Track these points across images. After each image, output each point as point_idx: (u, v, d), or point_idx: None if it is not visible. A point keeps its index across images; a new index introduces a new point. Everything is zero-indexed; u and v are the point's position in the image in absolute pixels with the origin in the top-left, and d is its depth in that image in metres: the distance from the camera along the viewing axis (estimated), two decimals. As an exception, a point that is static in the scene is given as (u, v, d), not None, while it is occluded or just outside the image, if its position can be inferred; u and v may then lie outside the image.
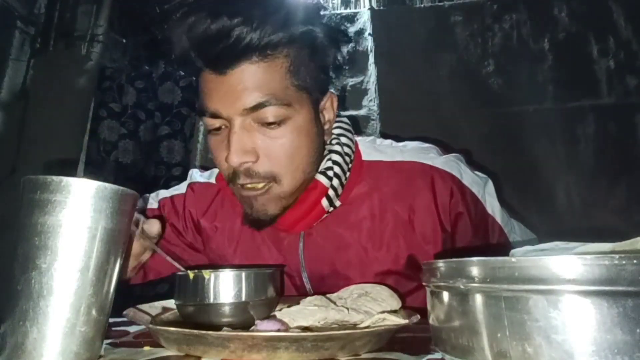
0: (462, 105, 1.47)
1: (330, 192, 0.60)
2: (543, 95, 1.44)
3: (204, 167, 0.83)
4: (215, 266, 0.65)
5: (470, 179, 0.64)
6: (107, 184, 0.38)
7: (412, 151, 0.67)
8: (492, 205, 0.64)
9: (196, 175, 0.77)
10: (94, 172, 1.94)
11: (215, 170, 0.74)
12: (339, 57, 0.63)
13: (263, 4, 0.54)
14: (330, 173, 0.60)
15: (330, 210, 0.62)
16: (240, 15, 0.50)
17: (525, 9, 1.51)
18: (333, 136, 0.64)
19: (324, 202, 0.60)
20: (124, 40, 2.44)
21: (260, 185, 0.56)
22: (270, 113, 0.53)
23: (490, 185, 0.66)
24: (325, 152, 0.62)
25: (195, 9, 0.52)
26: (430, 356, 0.39)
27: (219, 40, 0.50)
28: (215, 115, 0.55)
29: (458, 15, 1.56)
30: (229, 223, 0.69)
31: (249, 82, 0.52)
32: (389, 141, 0.71)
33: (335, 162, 0.61)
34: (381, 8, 1.65)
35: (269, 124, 0.54)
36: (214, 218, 0.71)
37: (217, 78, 0.53)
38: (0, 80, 1.95)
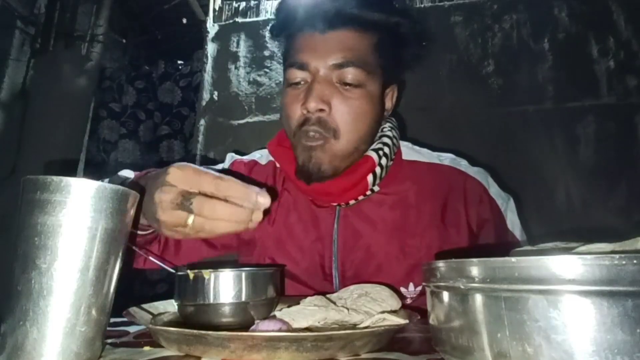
0: (462, 105, 1.47)
1: (377, 170, 0.66)
2: (543, 95, 1.43)
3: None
4: (221, 263, 0.67)
5: (496, 191, 0.70)
6: (107, 184, 0.38)
7: (448, 158, 0.75)
8: (513, 222, 0.69)
9: (237, 156, 0.82)
10: (94, 172, 1.94)
11: (264, 153, 0.80)
12: (415, 54, 0.71)
13: None
14: (380, 152, 0.67)
15: (373, 190, 0.68)
16: None
17: (525, 9, 1.51)
18: (386, 126, 0.72)
19: (370, 177, 0.66)
20: (124, 40, 2.45)
21: (323, 137, 0.62)
22: (351, 74, 0.62)
23: (512, 203, 0.71)
24: (378, 136, 0.69)
25: None
26: (430, 356, 0.39)
27: (330, 6, 0.62)
28: (303, 67, 0.63)
29: (458, 15, 1.56)
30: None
31: (342, 43, 0.62)
32: (425, 148, 0.78)
33: (385, 144, 0.68)
34: (381, 8, 1.65)
35: (347, 84, 0.62)
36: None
37: (316, 36, 0.63)
38: (0, 80, 1.95)
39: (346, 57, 0.62)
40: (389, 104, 0.72)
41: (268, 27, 1.68)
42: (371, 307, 0.49)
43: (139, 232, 0.57)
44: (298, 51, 0.65)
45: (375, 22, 0.64)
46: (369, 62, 0.63)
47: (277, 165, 0.77)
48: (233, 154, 0.84)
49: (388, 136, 0.70)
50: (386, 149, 0.68)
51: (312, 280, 0.70)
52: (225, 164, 0.81)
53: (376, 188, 0.69)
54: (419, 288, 0.64)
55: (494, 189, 0.70)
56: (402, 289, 0.66)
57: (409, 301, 0.66)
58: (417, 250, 0.66)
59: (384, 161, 0.67)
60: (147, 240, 0.64)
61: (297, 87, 0.65)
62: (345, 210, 0.70)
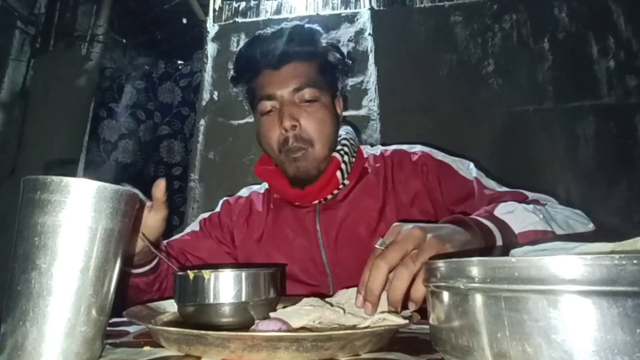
0: (462, 105, 1.47)
1: (342, 166, 0.81)
2: (543, 95, 1.44)
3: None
4: (221, 263, 0.70)
5: (442, 155, 0.85)
6: (107, 184, 0.38)
7: (392, 147, 0.92)
8: (465, 172, 0.82)
9: (227, 198, 0.97)
10: (94, 172, 1.94)
11: (247, 188, 0.98)
12: (345, 69, 0.91)
13: (304, 33, 0.86)
14: (341, 152, 0.83)
15: (343, 183, 0.83)
16: (292, 38, 0.83)
17: (525, 9, 1.51)
18: (342, 132, 0.88)
19: (338, 173, 0.81)
20: (124, 40, 2.45)
21: (302, 148, 0.78)
22: (308, 93, 0.79)
23: (460, 160, 0.85)
24: (338, 141, 0.86)
25: (266, 36, 0.86)
26: (430, 356, 0.39)
27: (278, 48, 0.81)
28: (271, 97, 0.80)
29: (458, 15, 1.56)
30: (257, 217, 0.90)
31: (295, 72, 0.80)
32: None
33: (344, 145, 0.84)
34: (381, 8, 1.65)
35: (307, 101, 0.79)
36: (244, 217, 0.91)
37: (274, 72, 0.81)
38: (0, 80, 1.95)
39: (301, 82, 0.79)
40: (339, 111, 0.89)
41: (268, 27, 1.69)
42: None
43: (136, 271, 0.68)
44: (264, 86, 0.81)
45: (312, 53, 0.83)
46: (318, 81, 0.81)
47: (261, 192, 0.94)
48: (224, 198, 0.97)
49: (345, 139, 0.87)
50: (345, 149, 0.84)
51: (307, 274, 0.81)
52: (218, 207, 0.95)
53: (346, 182, 0.84)
54: None
55: (440, 155, 0.85)
56: None
57: None
58: (388, 216, 0.80)
59: (346, 158, 0.83)
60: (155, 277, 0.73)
61: (269, 115, 0.81)
62: (323, 205, 0.84)
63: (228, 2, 1.77)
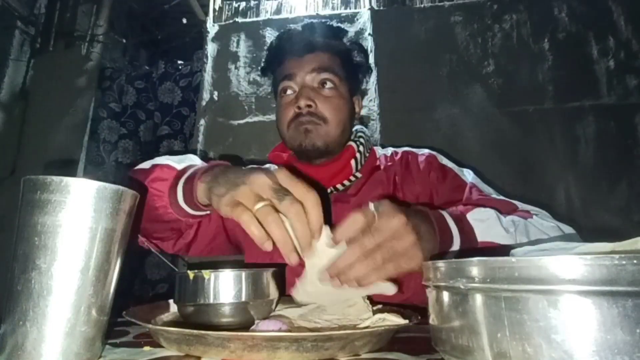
0: (462, 105, 1.47)
1: (357, 155, 0.84)
2: (543, 95, 1.44)
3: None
4: (222, 263, 0.69)
5: (446, 161, 0.88)
6: (107, 184, 0.38)
7: (404, 148, 0.95)
8: (467, 176, 0.85)
9: None
10: (94, 172, 1.94)
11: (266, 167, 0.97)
12: (365, 68, 0.95)
13: (330, 29, 0.92)
14: (358, 142, 0.86)
15: (355, 176, 0.84)
16: (318, 31, 0.89)
17: (525, 9, 1.51)
18: (359, 128, 0.92)
19: (352, 162, 0.83)
20: (124, 40, 2.45)
21: (315, 123, 0.80)
22: (327, 76, 0.82)
23: (469, 170, 0.88)
24: (355, 133, 0.89)
25: (294, 30, 0.93)
26: (430, 356, 0.39)
27: (303, 38, 0.87)
28: (290, 77, 0.83)
29: (458, 15, 1.56)
30: None
31: (317, 60, 0.84)
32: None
33: (361, 136, 0.88)
34: (381, 8, 1.65)
35: (324, 85, 0.82)
36: None
37: (297, 59, 0.84)
38: (0, 80, 1.95)
39: (322, 66, 0.83)
40: (357, 108, 0.92)
41: (268, 27, 1.69)
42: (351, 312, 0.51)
43: (193, 212, 0.62)
44: (285, 69, 0.85)
45: (335, 47, 0.87)
46: (338, 72, 0.85)
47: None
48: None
49: (363, 132, 0.90)
50: (362, 140, 0.87)
51: None
52: None
53: (358, 175, 0.84)
54: None
55: (444, 160, 0.88)
56: None
57: None
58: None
59: (361, 149, 0.85)
60: (189, 224, 0.72)
61: (288, 96, 0.84)
62: (335, 196, 0.84)
63: (228, 2, 1.77)
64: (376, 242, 0.46)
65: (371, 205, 0.49)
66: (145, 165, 0.74)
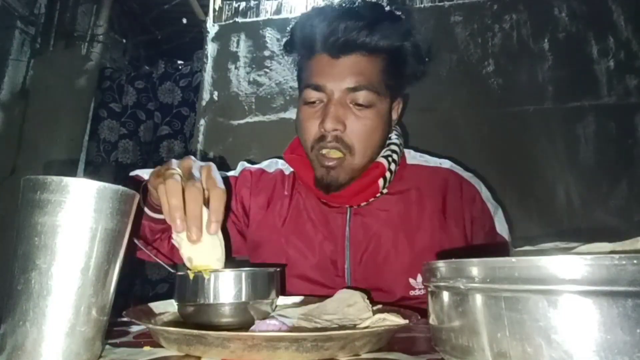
0: (462, 105, 1.47)
1: (387, 174, 0.73)
2: (543, 95, 1.43)
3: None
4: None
5: (487, 196, 0.79)
6: (107, 184, 0.38)
7: (446, 163, 0.83)
8: (501, 227, 0.76)
9: (247, 164, 0.89)
10: (94, 172, 1.94)
11: (272, 161, 0.88)
12: (418, 72, 0.78)
13: (380, 17, 0.71)
14: (389, 159, 0.74)
15: (382, 192, 0.75)
16: (363, 20, 0.68)
17: (525, 9, 1.51)
18: (392, 135, 0.80)
19: (381, 181, 0.73)
20: (124, 40, 2.45)
21: (339, 154, 0.69)
22: (363, 96, 0.68)
23: (501, 211, 0.79)
24: (387, 144, 0.77)
25: (333, 9, 0.72)
26: (430, 356, 0.39)
27: (342, 33, 0.67)
28: (319, 89, 0.69)
29: (458, 15, 1.55)
30: (279, 202, 0.81)
31: (355, 68, 0.68)
32: (427, 155, 0.87)
33: (393, 151, 0.76)
34: (381, 8, 1.65)
35: (360, 105, 0.68)
36: (266, 197, 0.82)
37: (331, 61, 0.69)
38: (0, 80, 1.95)
39: (359, 82, 0.68)
40: (395, 115, 0.79)
41: (268, 27, 1.69)
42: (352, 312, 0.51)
43: (156, 216, 0.63)
44: (314, 73, 0.70)
45: (382, 47, 0.70)
46: (378, 84, 0.70)
47: (287, 173, 0.85)
48: (244, 163, 0.90)
49: (395, 144, 0.77)
50: (394, 156, 0.75)
51: (323, 275, 0.75)
52: (236, 172, 0.87)
53: (385, 190, 0.75)
54: None
55: (485, 194, 0.79)
56: (411, 280, 0.71)
57: (417, 292, 0.71)
58: (421, 241, 0.73)
59: (392, 167, 0.74)
60: (165, 227, 0.68)
61: (313, 106, 0.71)
62: (356, 210, 0.76)
63: (228, 2, 1.77)
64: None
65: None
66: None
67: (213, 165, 0.52)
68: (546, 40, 1.47)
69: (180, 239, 0.49)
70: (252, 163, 0.91)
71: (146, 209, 0.64)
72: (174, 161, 0.53)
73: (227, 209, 0.51)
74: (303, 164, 0.76)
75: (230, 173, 0.87)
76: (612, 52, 1.42)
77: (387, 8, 0.73)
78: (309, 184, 0.75)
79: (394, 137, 0.79)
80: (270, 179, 0.84)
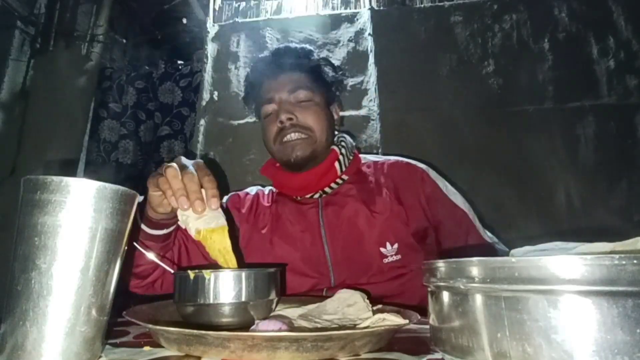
0: (462, 105, 1.47)
1: (340, 158, 0.90)
2: (543, 95, 1.43)
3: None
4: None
5: (435, 175, 0.92)
6: (107, 184, 0.38)
7: (395, 157, 0.99)
8: (458, 200, 0.88)
9: (234, 191, 1.04)
10: (94, 172, 1.94)
11: (254, 188, 1.03)
12: (337, 83, 1.00)
13: (298, 51, 0.97)
14: (340, 145, 0.92)
15: (342, 179, 0.90)
16: (287, 53, 0.96)
17: (525, 9, 1.51)
18: (340, 135, 0.97)
19: (336, 164, 0.89)
20: (124, 40, 2.45)
21: (301, 135, 0.86)
22: (302, 93, 0.89)
23: (451, 187, 0.91)
24: (337, 139, 0.95)
25: (266, 56, 1.00)
26: (430, 356, 0.39)
27: (276, 61, 0.94)
28: (270, 101, 0.90)
29: (458, 15, 1.56)
30: (262, 213, 0.94)
31: (290, 78, 0.91)
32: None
33: (342, 140, 0.94)
34: (381, 8, 1.65)
35: (302, 101, 0.89)
36: (251, 211, 0.95)
37: (272, 81, 0.92)
38: (0, 81, 1.95)
39: (296, 85, 0.90)
40: (336, 116, 0.98)
41: (268, 27, 1.69)
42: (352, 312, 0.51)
43: (155, 233, 0.70)
44: (264, 93, 0.92)
45: (304, 65, 0.94)
46: (311, 86, 0.91)
47: (266, 192, 0.98)
48: (233, 192, 1.04)
49: (344, 137, 0.96)
50: (344, 143, 0.93)
51: (309, 265, 0.84)
52: (225, 199, 0.99)
53: (345, 177, 0.90)
54: (395, 246, 0.82)
55: (432, 174, 0.91)
56: (382, 249, 0.82)
57: (390, 259, 0.81)
58: (384, 213, 0.85)
59: (344, 151, 0.91)
60: (163, 245, 0.75)
61: (270, 117, 0.90)
62: (325, 200, 0.89)
63: (228, 2, 1.77)
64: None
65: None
66: None
67: (201, 161, 0.60)
68: (546, 40, 1.47)
69: (186, 217, 0.54)
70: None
71: (146, 229, 0.70)
72: (166, 163, 0.60)
73: (221, 190, 0.59)
74: (275, 169, 0.95)
75: (223, 198, 0.99)
76: (612, 52, 1.42)
77: (299, 46, 1.00)
78: (285, 181, 0.91)
79: (342, 136, 0.96)
80: (253, 197, 1.00)
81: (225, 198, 1.00)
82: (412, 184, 0.89)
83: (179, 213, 0.55)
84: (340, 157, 0.90)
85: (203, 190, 0.55)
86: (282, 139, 0.87)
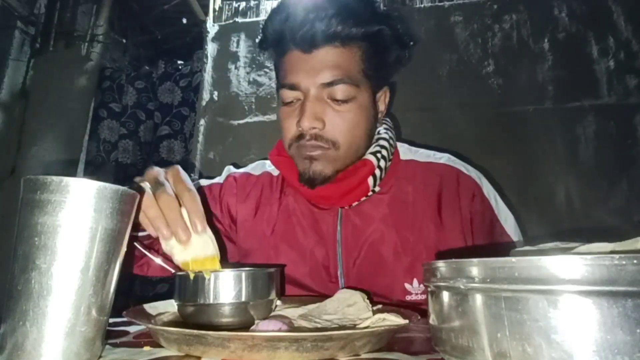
0: (462, 105, 1.47)
1: (377, 172, 0.69)
2: (543, 95, 1.43)
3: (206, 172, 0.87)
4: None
5: (489, 191, 0.74)
6: (107, 184, 0.38)
7: (444, 157, 0.77)
8: (506, 217, 0.72)
9: (233, 169, 0.85)
10: (94, 172, 1.94)
11: (259, 163, 0.84)
12: (402, 57, 0.72)
13: (351, 3, 0.66)
14: (378, 155, 0.69)
15: (373, 190, 0.70)
16: (332, 8, 0.63)
17: (525, 9, 1.51)
18: (381, 129, 0.74)
19: (370, 179, 0.68)
20: (124, 40, 2.45)
21: (322, 148, 0.65)
22: (341, 90, 0.63)
23: (503, 205, 0.74)
24: (375, 139, 0.72)
25: (301, 1, 0.66)
26: (430, 356, 0.39)
27: (312, 25, 0.62)
28: (294, 87, 0.65)
29: (458, 15, 1.55)
30: (268, 208, 0.77)
31: (329, 61, 0.63)
32: (423, 149, 0.81)
33: (382, 147, 0.71)
34: (381, 8, 1.65)
35: (338, 100, 0.64)
36: (254, 202, 0.78)
37: (303, 56, 0.64)
38: (0, 81, 1.95)
39: (334, 75, 0.63)
40: (382, 106, 0.74)
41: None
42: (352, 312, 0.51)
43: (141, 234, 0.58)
44: (288, 72, 0.66)
45: (357, 35, 0.64)
46: (356, 76, 0.65)
47: (275, 174, 0.81)
48: (230, 167, 0.87)
49: (384, 138, 0.72)
50: (384, 152, 0.70)
51: (316, 282, 0.71)
52: (221, 178, 0.84)
53: (377, 188, 0.71)
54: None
55: (486, 188, 0.74)
56: (407, 285, 0.68)
57: (414, 297, 0.67)
58: (416, 245, 0.69)
59: (382, 163, 0.69)
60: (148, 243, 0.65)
61: (291, 105, 0.67)
62: (347, 211, 0.72)
63: (228, 2, 1.77)
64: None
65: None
66: None
67: (177, 167, 0.52)
68: (546, 40, 1.47)
69: (171, 247, 0.49)
70: (239, 167, 0.88)
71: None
72: (138, 178, 0.51)
73: (205, 206, 0.49)
74: (289, 165, 0.72)
75: (216, 180, 0.84)
76: (612, 52, 1.42)
77: None
78: (297, 185, 0.71)
79: (382, 131, 0.73)
80: (257, 183, 0.80)
81: (220, 178, 0.82)
82: (459, 200, 0.71)
83: (162, 241, 0.49)
84: (377, 172, 0.68)
85: (184, 211, 0.47)
86: (302, 147, 0.66)
